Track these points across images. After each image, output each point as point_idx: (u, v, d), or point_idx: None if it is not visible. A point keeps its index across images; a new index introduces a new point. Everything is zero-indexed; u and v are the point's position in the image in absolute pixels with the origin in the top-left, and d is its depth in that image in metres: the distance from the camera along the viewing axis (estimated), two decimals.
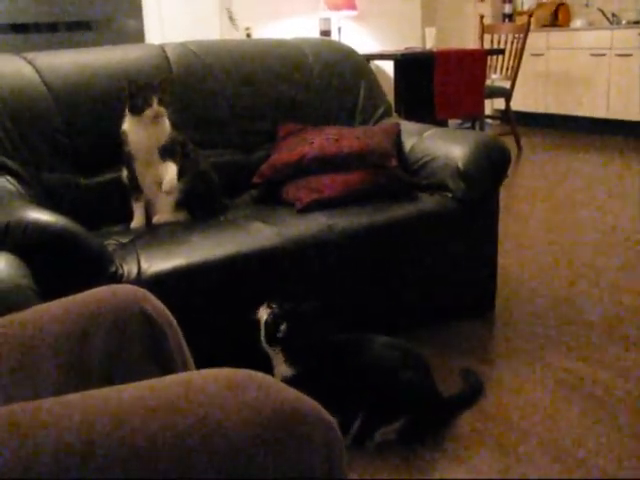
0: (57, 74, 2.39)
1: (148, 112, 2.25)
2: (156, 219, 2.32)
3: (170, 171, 2.29)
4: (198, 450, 0.74)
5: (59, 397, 0.82)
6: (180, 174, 2.31)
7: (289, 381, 1.77)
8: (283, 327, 1.83)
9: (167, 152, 2.30)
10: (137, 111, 2.26)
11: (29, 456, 0.72)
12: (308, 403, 0.81)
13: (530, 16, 5.82)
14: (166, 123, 2.32)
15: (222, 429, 0.75)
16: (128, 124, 2.29)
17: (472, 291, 2.61)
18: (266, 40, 2.99)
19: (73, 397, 0.81)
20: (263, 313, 1.87)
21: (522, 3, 7.23)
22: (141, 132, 2.28)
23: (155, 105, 2.25)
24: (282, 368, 1.86)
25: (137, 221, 2.32)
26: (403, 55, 5.18)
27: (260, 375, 0.83)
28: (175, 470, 0.74)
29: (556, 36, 6.70)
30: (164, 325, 1.11)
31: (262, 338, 1.87)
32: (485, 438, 1.88)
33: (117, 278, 1.86)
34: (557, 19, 6.89)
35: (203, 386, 0.80)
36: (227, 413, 0.76)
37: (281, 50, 2.89)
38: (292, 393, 0.82)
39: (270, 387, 0.81)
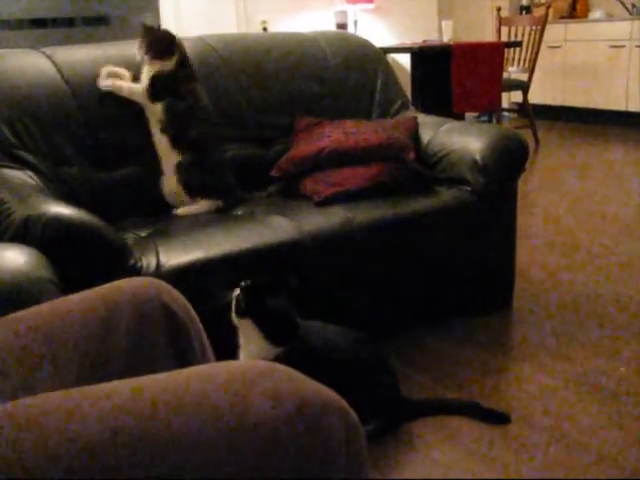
0: (75, 69, 2.40)
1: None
2: (179, 211, 2.35)
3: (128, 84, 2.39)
4: (220, 443, 0.75)
5: (84, 387, 0.82)
6: (197, 166, 2.34)
7: (278, 359, 1.73)
8: (248, 296, 1.79)
9: (152, 79, 2.37)
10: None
11: (58, 446, 0.72)
12: (330, 395, 0.81)
13: (548, 7, 5.78)
14: (160, 68, 2.37)
15: (244, 421, 0.75)
16: None
17: (490, 285, 2.59)
18: (283, 34, 2.99)
19: (97, 388, 0.82)
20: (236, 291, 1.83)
21: None
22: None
23: (137, 49, 2.39)
24: (260, 347, 1.79)
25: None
26: (420, 48, 5.16)
27: (282, 367, 0.84)
28: (197, 462, 0.74)
29: (574, 28, 6.64)
30: (185, 318, 1.12)
31: (232, 313, 1.81)
32: (501, 432, 1.87)
33: (136, 271, 1.87)
34: (575, 10, 6.84)
35: (225, 378, 0.80)
36: (249, 406, 0.76)
37: (298, 44, 2.88)
38: (314, 385, 0.82)
39: (292, 379, 0.81)
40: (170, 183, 2.38)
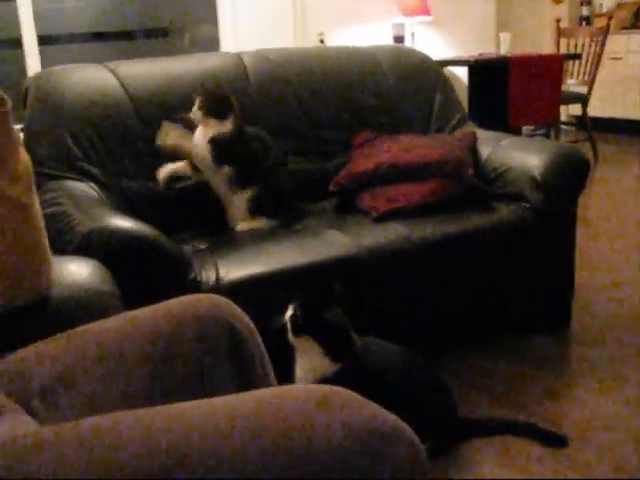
0: (138, 83, 2.45)
1: (189, 115, 2.32)
2: (238, 227, 2.35)
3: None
4: (284, 467, 0.75)
5: (153, 408, 0.83)
6: (252, 181, 2.34)
7: (332, 378, 1.74)
8: (304, 313, 1.77)
9: (211, 142, 2.31)
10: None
11: (125, 466, 0.73)
12: (392, 421, 0.81)
13: (610, 18, 5.67)
14: (217, 129, 2.32)
15: (309, 447, 0.75)
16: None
17: (548, 303, 2.55)
18: (341, 48, 3.00)
19: (166, 409, 0.83)
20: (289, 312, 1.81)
21: (601, 5, 7.05)
22: (197, 133, 2.35)
23: (194, 108, 2.30)
24: (319, 363, 1.77)
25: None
26: (477, 61, 5.12)
27: (346, 392, 0.83)
28: None
29: (636, 38, 6.50)
30: (247, 336, 1.12)
31: (289, 333, 1.79)
32: (558, 455, 1.84)
33: (196, 284, 1.89)
34: (638, 20, 6.69)
35: (290, 402, 0.80)
36: (314, 431, 0.76)
37: (355, 58, 2.89)
38: (378, 411, 0.81)
39: (356, 404, 0.81)
40: (233, 210, 2.39)
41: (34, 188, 1.16)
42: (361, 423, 0.78)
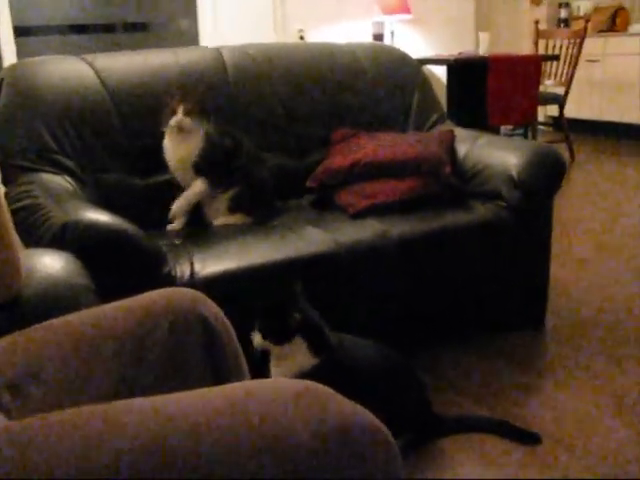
0: (116, 76, 2.43)
1: (172, 122, 2.24)
2: (214, 222, 2.34)
3: (193, 189, 2.29)
4: (254, 460, 0.74)
5: (124, 401, 0.82)
6: (232, 181, 2.33)
7: (311, 372, 1.73)
8: (295, 315, 1.75)
9: (199, 168, 2.28)
10: (166, 121, 2.27)
11: (106, 459, 0.72)
12: (367, 418, 0.81)
13: (587, 21, 5.72)
14: (196, 137, 2.27)
15: (280, 441, 0.75)
16: (166, 136, 2.31)
17: (523, 301, 2.57)
18: (320, 44, 3.00)
19: (136, 402, 0.82)
20: (256, 336, 1.77)
21: (578, 8, 7.11)
22: (171, 144, 2.30)
23: (180, 114, 2.23)
24: (301, 358, 1.76)
25: (175, 224, 2.33)
26: (456, 60, 5.14)
27: (320, 387, 0.83)
28: (231, 477, 0.74)
29: (613, 41, 6.57)
30: (221, 330, 1.12)
31: (268, 342, 1.76)
32: (531, 452, 1.85)
33: (170, 279, 1.88)
34: (615, 24, 6.75)
35: (263, 396, 0.80)
36: (286, 425, 0.76)
37: (336, 55, 2.89)
38: (351, 407, 0.81)
39: (330, 400, 0.80)
40: (211, 208, 2.36)
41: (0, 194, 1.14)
42: (336, 420, 0.78)
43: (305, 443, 0.75)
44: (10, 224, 1.14)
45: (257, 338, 1.75)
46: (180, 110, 2.24)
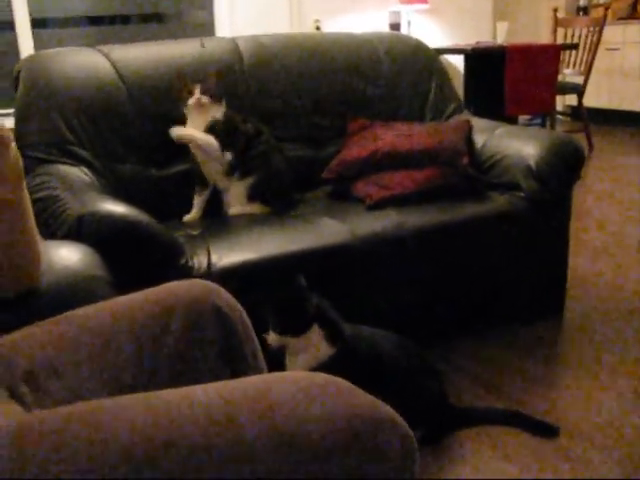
0: (132, 67, 2.43)
1: (189, 101, 2.29)
2: (231, 211, 2.34)
3: (206, 137, 2.30)
4: (271, 454, 0.74)
5: (138, 395, 0.82)
6: (251, 166, 2.33)
7: (328, 362, 1.73)
8: (313, 302, 1.75)
9: (213, 130, 2.31)
10: (185, 103, 2.31)
11: (110, 455, 0.72)
12: (386, 411, 0.80)
13: (607, 9, 5.64)
14: (216, 113, 2.33)
15: (297, 434, 0.75)
16: (188, 117, 2.34)
17: (541, 292, 2.55)
18: (336, 34, 2.98)
19: (151, 396, 0.82)
20: (271, 336, 1.75)
21: None
22: (192, 122, 2.32)
23: (197, 94, 2.28)
24: (319, 348, 1.75)
25: (192, 214, 2.36)
26: (473, 49, 5.10)
27: (338, 381, 0.83)
28: (247, 472, 0.73)
29: (633, 29, 6.47)
30: (236, 321, 1.12)
31: (284, 338, 1.74)
32: (549, 445, 1.84)
33: (187, 270, 1.88)
34: (636, 11, 6.66)
35: (280, 390, 0.80)
36: (303, 419, 0.76)
37: (352, 44, 2.87)
38: (369, 400, 0.81)
39: (348, 394, 0.80)
40: (230, 196, 2.37)
41: (24, 185, 1.15)
42: (354, 414, 0.77)
43: (324, 437, 0.75)
44: (32, 216, 1.15)
45: (272, 336, 1.74)
46: (197, 90, 2.29)
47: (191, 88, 2.30)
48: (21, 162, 1.14)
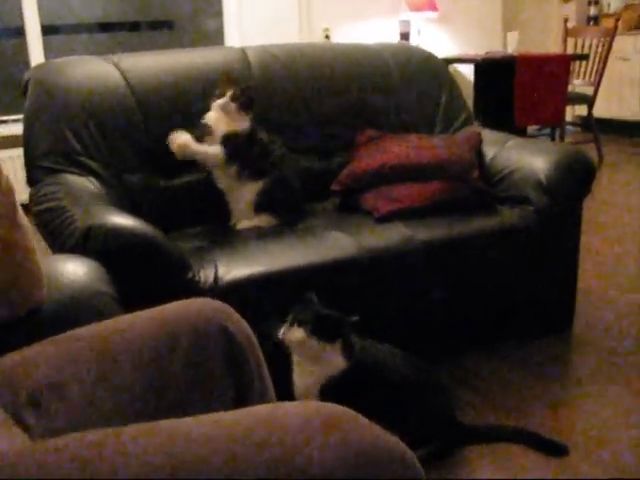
0: (141, 77, 2.42)
1: (217, 102, 2.30)
2: (239, 226, 2.32)
3: (210, 148, 2.28)
4: None
5: (143, 425, 0.81)
6: (260, 174, 2.32)
7: (340, 377, 1.73)
8: (333, 316, 1.74)
9: (226, 141, 2.29)
10: (214, 100, 2.32)
11: None
12: (392, 444, 0.78)
13: (617, 19, 5.62)
14: (239, 122, 2.31)
15: (304, 466, 0.73)
16: (212, 112, 2.33)
17: (550, 307, 2.53)
18: (346, 45, 2.97)
19: (157, 425, 0.80)
20: (295, 330, 1.75)
21: (609, 5, 6.99)
22: (215, 121, 2.32)
23: (226, 98, 2.28)
24: (333, 363, 1.75)
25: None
26: (484, 59, 5.09)
27: (346, 412, 0.81)
28: None
29: None
30: (244, 343, 1.10)
31: (311, 338, 1.73)
32: (558, 464, 1.81)
33: (194, 284, 1.86)
34: None
35: (288, 420, 0.78)
36: (310, 451, 0.74)
37: (361, 55, 2.86)
38: (376, 433, 0.79)
39: (355, 427, 0.78)
40: (238, 205, 2.36)
41: (18, 214, 1.11)
42: (360, 447, 0.76)
43: (324, 469, 0.73)
44: (31, 234, 1.13)
45: (290, 331, 1.72)
46: (228, 94, 2.29)
47: (224, 91, 2.31)
48: (13, 190, 1.09)
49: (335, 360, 1.75)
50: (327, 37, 5.36)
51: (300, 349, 1.75)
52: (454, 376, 2.26)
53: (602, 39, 5.59)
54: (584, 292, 2.88)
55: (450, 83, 2.97)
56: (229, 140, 2.29)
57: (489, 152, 2.63)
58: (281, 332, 1.73)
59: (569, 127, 6.54)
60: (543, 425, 1.99)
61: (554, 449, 1.87)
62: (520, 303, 2.46)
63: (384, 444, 0.78)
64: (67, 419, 0.98)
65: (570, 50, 5.87)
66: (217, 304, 1.13)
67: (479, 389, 2.20)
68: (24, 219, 1.11)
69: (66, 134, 2.22)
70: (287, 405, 0.83)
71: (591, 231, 3.76)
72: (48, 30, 4.68)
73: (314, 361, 1.76)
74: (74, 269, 1.41)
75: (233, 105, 2.29)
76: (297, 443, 0.75)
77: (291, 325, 1.73)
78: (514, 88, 4.96)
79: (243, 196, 2.33)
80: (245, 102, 2.32)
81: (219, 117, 2.32)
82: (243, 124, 2.32)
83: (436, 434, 1.85)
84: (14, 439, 0.87)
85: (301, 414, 0.80)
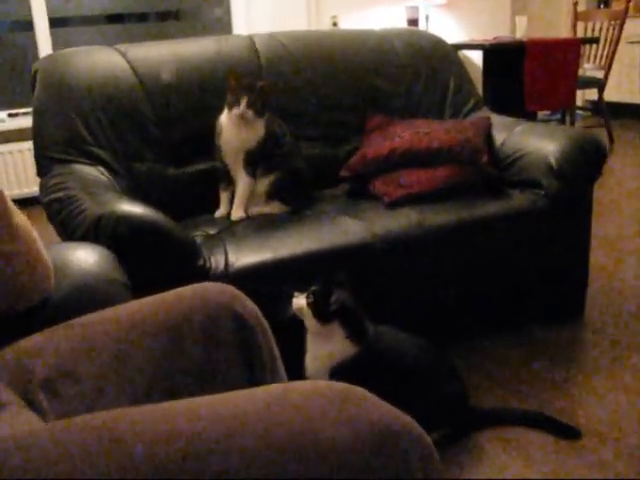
0: (149, 66, 2.42)
1: (234, 111, 2.25)
2: (250, 211, 2.32)
3: (240, 189, 2.30)
4: (291, 463, 0.73)
5: (155, 405, 0.81)
6: (272, 167, 2.31)
7: (350, 361, 1.74)
8: (334, 297, 1.75)
9: (249, 161, 2.29)
10: (229, 107, 2.27)
11: (126, 464, 0.71)
12: (404, 420, 0.79)
13: (628, 1, 5.57)
14: (256, 128, 2.29)
15: (317, 444, 0.73)
16: (224, 117, 2.30)
17: (562, 292, 2.52)
18: (354, 31, 2.96)
19: (169, 406, 0.81)
20: (301, 299, 1.78)
21: None
22: (230, 129, 2.29)
23: (243, 106, 2.23)
24: (341, 346, 1.77)
25: (222, 210, 2.35)
26: (492, 45, 5.06)
27: (358, 390, 0.81)
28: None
29: None
30: (255, 327, 1.11)
31: (311, 320, 1.77)
32: (570, 447, 1.81)
33: (205, 271, 1.87)
34: None
35: (300, 399, 0.78)
36: (323, 428, 0.74)
37: (369, 41, 2.85)
38: (388, 409, 0.79)
39: (367, 403, 0.79)
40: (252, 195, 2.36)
41: (12, 220, 1.08)
42: (372, 422, 0.76)
43: (345, 445, 0.73)
44: (30, 229, 1.12)
45: (300, 302, 1.76)
46: (244, 102, 2.23)
47: (239, 98, 2.24)
48: (3, 193, 1.07)
49: (342, 345, 1.76)
50: (335, 24, 5.35)
51: (306, 321, 1.78)
52: (466, 360, 2.26)
53: (612, 22, 5.55)
54: (595, 276, 2.87)
55: (459, 68, 2.95)
56: (253, 155, 2.29)
57: (499, 137, 2.61)
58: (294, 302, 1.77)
59: (580, 111, 6.50)
60: (555, 409, 1.99)
61: (567, 432, 1.87)
62: (532, 288, 2.45)
63: (397, 420, 0.78)
64: (81, 402, 0.98)
65: (580, 34, 5.82)
66: (228, 288, 1.14)
67: (490, 373, 2.19)
68: (20, 216, 1.10)
69: (75, 124, 2.23)
70: (299, 384, 0.83)
71: (602, 215, 3.74)
72: (56, 23, 4.68)
73: (325, 343, 1.77)
74: (85, 256, 1.42)
75: (250, 112, 2.24)
76: (311, 419, 0.75)
77: (306, 297, 1.77)
78: (524, 73, 4.94)
79: (255, 188, 2.33)
80: (262, 107, 2.28)
81: (235, 125, 2.28)
82: (260, 130, 2.29)
83: (449, 418, 1.85)
84: (28, 421, 0.88)
85: (314, 392, 0.80)
